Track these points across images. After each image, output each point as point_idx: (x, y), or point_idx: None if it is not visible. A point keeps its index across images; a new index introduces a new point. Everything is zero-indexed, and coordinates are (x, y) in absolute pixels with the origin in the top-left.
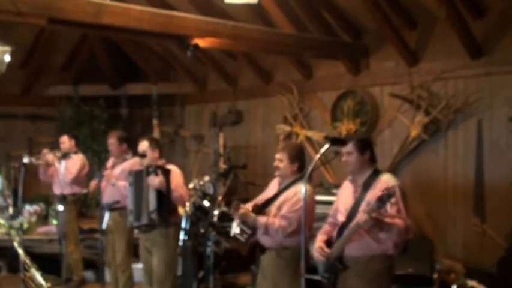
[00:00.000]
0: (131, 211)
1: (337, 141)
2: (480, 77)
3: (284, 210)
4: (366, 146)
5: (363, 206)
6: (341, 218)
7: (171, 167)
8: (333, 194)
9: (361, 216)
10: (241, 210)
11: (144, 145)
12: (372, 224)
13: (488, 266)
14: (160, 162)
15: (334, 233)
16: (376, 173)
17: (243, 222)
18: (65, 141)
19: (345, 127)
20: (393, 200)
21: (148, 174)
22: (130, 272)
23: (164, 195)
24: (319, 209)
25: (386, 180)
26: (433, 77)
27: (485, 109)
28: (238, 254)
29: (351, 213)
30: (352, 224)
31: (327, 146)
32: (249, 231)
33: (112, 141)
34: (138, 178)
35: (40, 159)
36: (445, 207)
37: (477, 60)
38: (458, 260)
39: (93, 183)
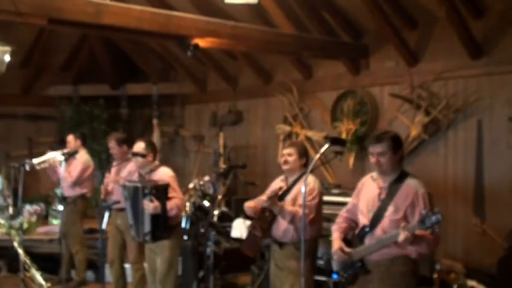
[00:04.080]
0: (131, 225)
1: (337, 141)
2: (480, 77)
3: (301, 201)
4: (399, 144)
5: (389, 212)
6: (363, 219)
7: (164, 170)
8: (333, 194)
9: (386, 224)
10: (271, 200)
11: (139, 146)
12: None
13: (488, 266)
14: (154, 165)
15: (356, 232)
16: (403, 176)
17: (261, 214)
18: (71, 141)
19: (345, 127)
20: (420, 206)
21: (144, 195)
22: (143, 271)
23: (160, 217)
24: None
25: (413, 185)
26: (433, 77)
27: (485, 109)
28: (241, 254)
29: (375, 218)
30: (380, 233)
31: (326, 146)
32: (265, 226)
33: (111, 144)
34: (134, 196)
35: (45, 163)
36: (445, 207)
37: (477, 60)
38: (458, 260)
39: (102, 189)
